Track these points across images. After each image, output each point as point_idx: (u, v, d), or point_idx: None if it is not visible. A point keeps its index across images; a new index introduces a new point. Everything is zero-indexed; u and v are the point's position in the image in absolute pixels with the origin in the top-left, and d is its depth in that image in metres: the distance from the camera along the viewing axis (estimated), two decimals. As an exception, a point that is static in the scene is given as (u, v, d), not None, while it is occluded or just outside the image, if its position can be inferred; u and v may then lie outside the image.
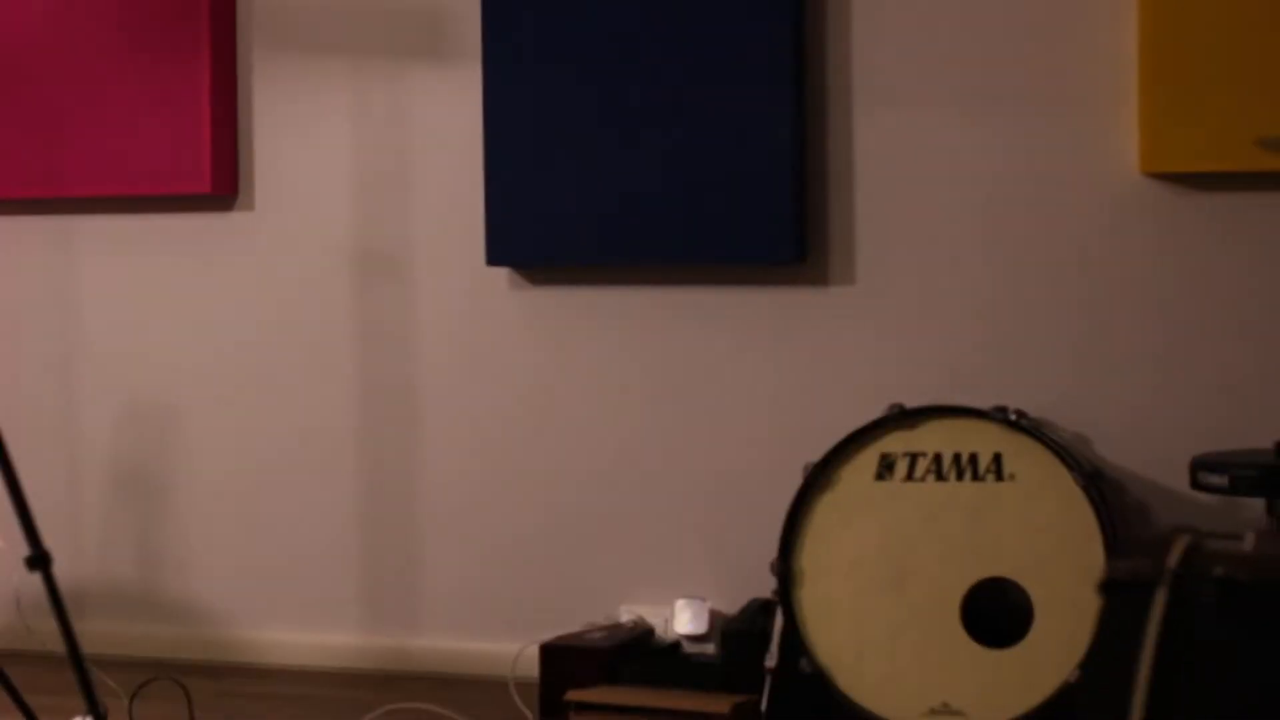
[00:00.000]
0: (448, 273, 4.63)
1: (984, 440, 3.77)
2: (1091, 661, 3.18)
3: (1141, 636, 3.05)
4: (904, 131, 4.28)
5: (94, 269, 4.93)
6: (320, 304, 4.76)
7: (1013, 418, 3.78)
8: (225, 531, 4.82)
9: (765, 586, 4.00)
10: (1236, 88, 3.93)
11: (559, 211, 4.42)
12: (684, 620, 4.29)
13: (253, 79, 4.78)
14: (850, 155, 4.31)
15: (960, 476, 3.78)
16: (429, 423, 4.66)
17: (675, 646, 4.31)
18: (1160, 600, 3.07)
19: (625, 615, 4.38)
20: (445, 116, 4.62)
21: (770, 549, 3.89)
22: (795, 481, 3.90)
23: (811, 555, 3.84)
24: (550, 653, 4.13)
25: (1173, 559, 3.13)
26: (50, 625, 3.42)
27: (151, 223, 4.88)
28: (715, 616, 4.24)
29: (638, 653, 4.24)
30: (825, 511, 3.85)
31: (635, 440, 4.49)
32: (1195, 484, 3.70)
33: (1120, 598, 3.12)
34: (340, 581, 4.73)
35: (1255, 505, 3.73)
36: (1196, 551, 3.17)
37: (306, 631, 4.74)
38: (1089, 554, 3.64)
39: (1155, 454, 4.09)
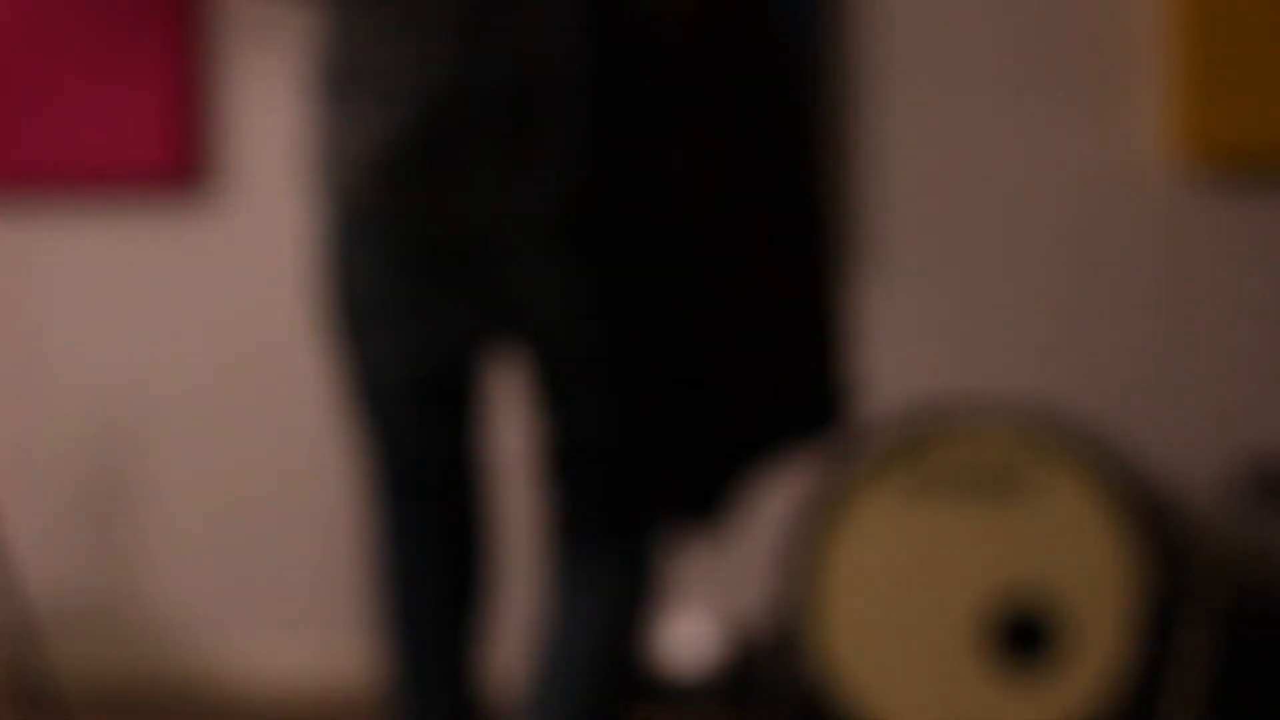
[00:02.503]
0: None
1: (1008, 450, 3.72)
2: (1136, 689, 3.14)
3: (1180, 658, 3.03)
4: (910, 126, 4.24)
5: (54, 269, 4.82)
6: (299, 302, 4.66)
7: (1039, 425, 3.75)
8: (196, 539, 4.73)
9: (770, 595, 3.97)
10: (1274, 80, 3.92)
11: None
12: (684, 629, 4.23)
13: (241, 68, 4.67)
14: (854, 151, 4.26)
15: (976, 486, 3.74)
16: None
17: (675, 655, 4.24)
18: (1199, 621, 3.04)
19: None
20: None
21: (775, 556, 3.87)
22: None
23: (822, 564, 3.79)
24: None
25: (1209, 579, 3.11)
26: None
27: (115, 220, 4.76)
28: (718, 625, 4.19)
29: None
30: (836, 521, 3.79)
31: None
32: (1251, 496, 3.68)
33: (1158, 614, 3.07)
34: (325, 599, 4.64)
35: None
36: (1235, 571, 3.15)
37: (291, 645, 4.67)
38: (1115, 569, 3.60)
39: (1187, 463, 4.05)
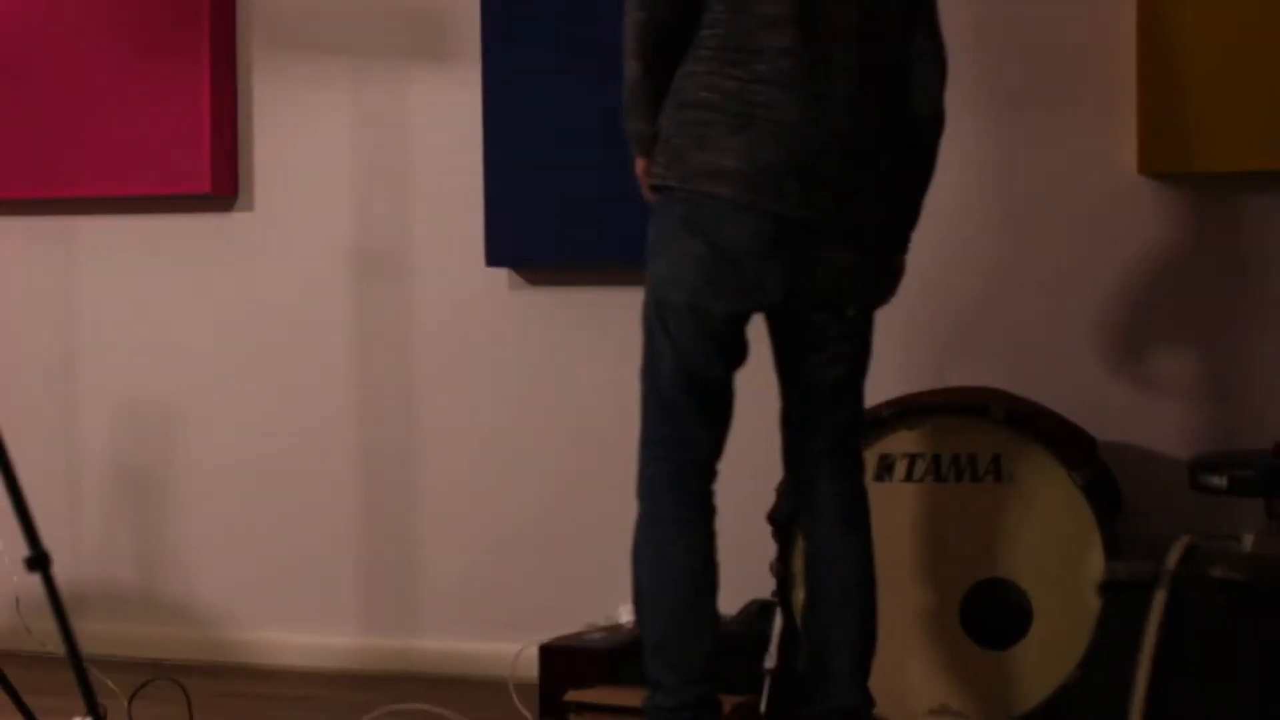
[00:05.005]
0: (447, 273, 4.63)
1: (983, 441, 3.75)
2: (1091, 662, 3.18)
3: (1141, 637, 3.05)
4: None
5: (94, 269, 4.93)
6: (319, 304, 4.75)
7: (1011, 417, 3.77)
8: (225, 532, 4.81)
9: (764, 587, 4.01)
10: (1234, 89, 3.95)
11: (559, 212, 4.42)
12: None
13: (253, 79, 4.78)
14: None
15: (959, 478, 3.77)
16: (428, 423, 4.66)
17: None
18: (1159, 601, 3.07)
19: (625, 616, 4.37)
20: (445, 117, 4.62)
21: (769, 549, 3.89)
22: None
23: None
24: (550, 653, 4.12)
25: (1172, 560, 3.13)
26: (50, 626, 3.41)
27: (151, 223, 4.88)
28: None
29: (637, 653, 4.20)
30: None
31: (634, 439, 4.47)
32: (1195, 485, 3.69)
33: (1120, 598, 3.12)
34: (340, 582, 4.72)
35: (1255, 506, 3.73)
36: (1195, 553, 3.18)
37: (306, 632, 4.74)
38: (1088, 555, 3.63)
39: (1155, 454, 4.10)
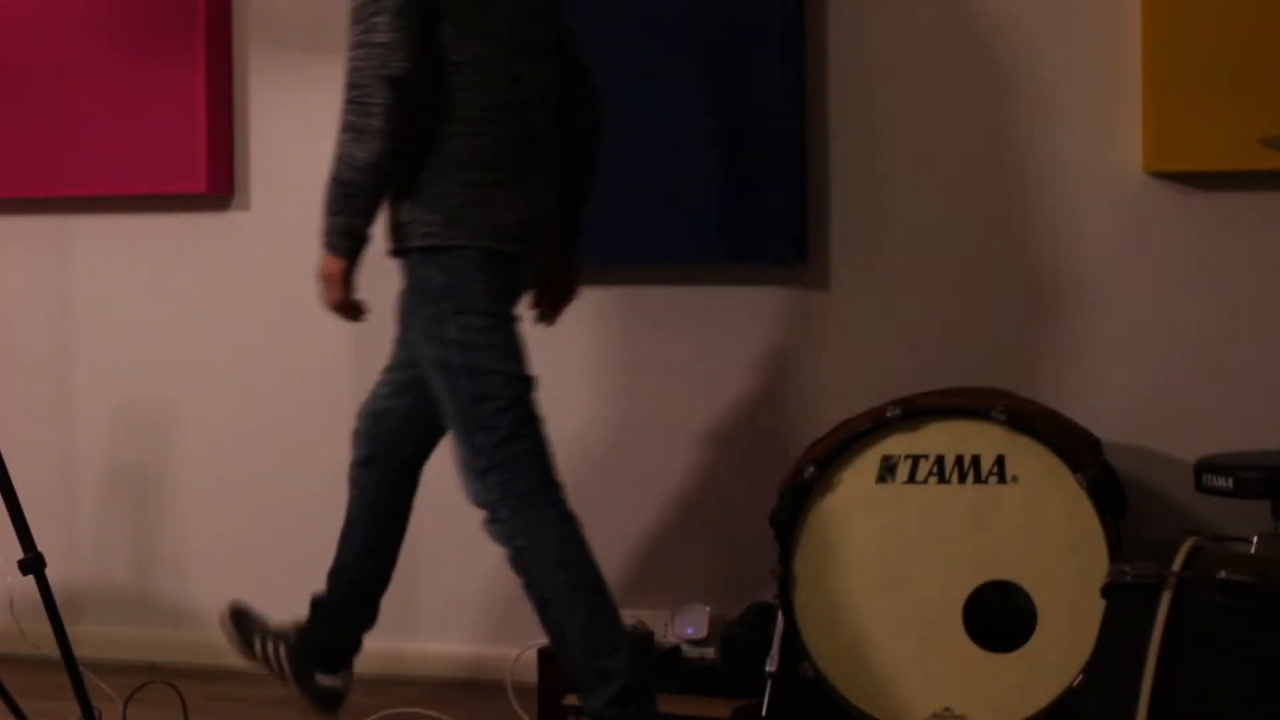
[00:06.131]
0: (445, 273, 4.61)
1: (986, 442, 3.75)
2: (1096, 665, 3.17)
3: (1146, 640, 3.04)
4: (904, 132, 4.27)
5: (89, 268, 4.92)
6: (317, 304, 4.74)
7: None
8: (221, 534, 4.80)
9: (765, 590, 3.99)
10: (1239, 87, 3.95)
11: (558, 212, 4.41)
12: (684, 624, 4.26)
13: (249, 78, 4.77)
14: (851, 156, 4.30)
15: (963, 479, 3.76)
16: (427, 425, 4.64)
17: (675, 650, 4.28)
18: (1164, 604, 3.06)
19: (625, 619, 4.35)
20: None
21: (770, 552, 3.87)
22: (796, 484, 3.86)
23: (812, 559, 3.82)
24: (549, 657, 4.11)
25: (1177, 562, 3.12)
26: (44, 628, 3.41)
27: (147, 222, 4.88)
28: (715, 620, 4.21)
29: (637, 656, 4.21)
30: (826, 514, 3.82)
31: (634, 440, 4.48)
32: (1200, 486, 3.69)
33: (1125, 601, 3.11)
34: (337, 584, 4.70)
35: (1261, 508, 3.72)
36: (1201, 555, 3.16)
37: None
38: (1093, 557, 3.62)
39: (1159, 456, 4.09)
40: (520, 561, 3.59)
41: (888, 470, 3.80)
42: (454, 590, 4.63)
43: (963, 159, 4.23)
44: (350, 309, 3.65)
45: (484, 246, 3.53)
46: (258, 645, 3.98)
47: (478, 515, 4.59)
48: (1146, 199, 4.10)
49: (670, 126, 4.31)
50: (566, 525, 3.59)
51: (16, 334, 4.97)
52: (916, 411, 3.80)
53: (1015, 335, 4.20)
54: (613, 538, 4.49)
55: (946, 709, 3.75)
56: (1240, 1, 3.95)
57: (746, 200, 4.26)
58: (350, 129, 3.47)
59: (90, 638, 4.61)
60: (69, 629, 3.38)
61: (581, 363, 4.52)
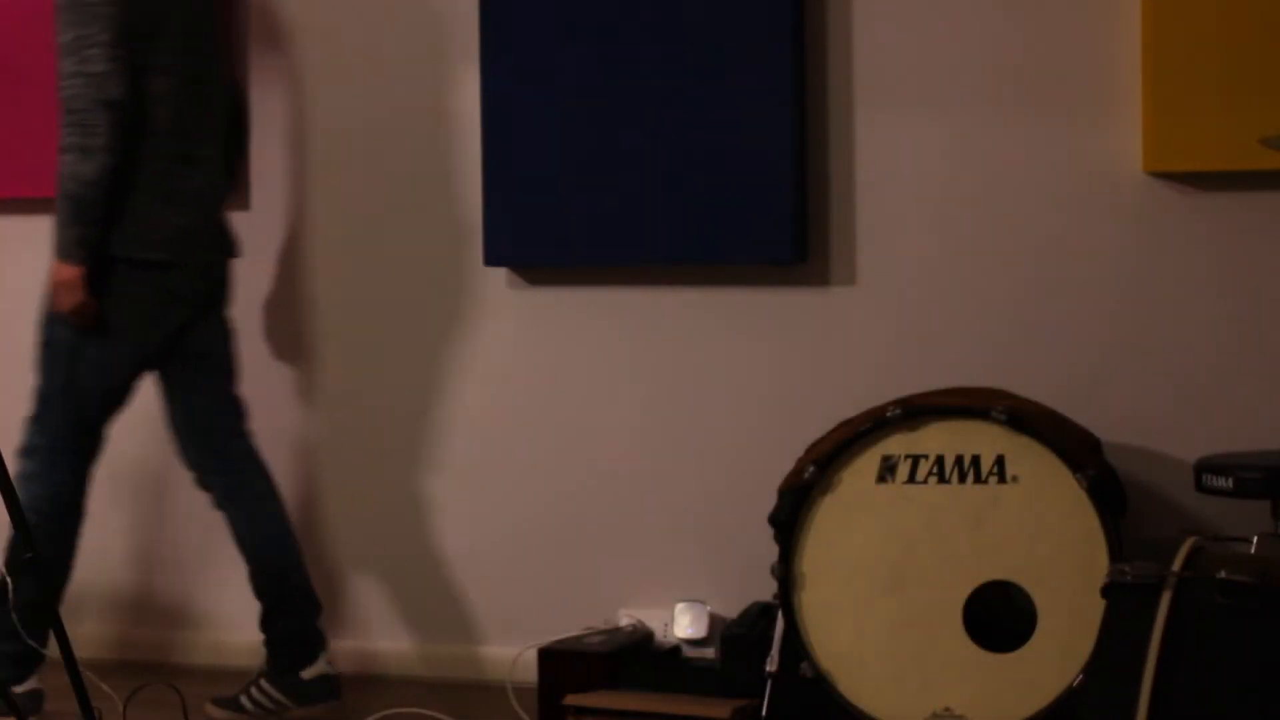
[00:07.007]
0: (446, 273, 4.61)
1: (986, 442, 3.75)
2: (1096, 665, 3.17)
3: (1146, 640, 3.04)
4: (905, 132, 4.27)
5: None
6: (316, 304, 4.75)
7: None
8: (221, 534, 4.79)
9: (766, 590, 3.98)
10: (1239, 87, 3.95)
11: (558, 211, 4.41)
12: (684, 624, 4.28)
13: (249, 78, 4.76)
14: (851, 156, 4.31)
15: (963, 479, 3.76)
16: (427, 423, 4.64)
17: (675, 650, 4.30)
18: (1165, 603, 3.06)
19: (624, 619, 4.37)
20: (443, 116, 4.60)
21: (770, 552, 3.86)
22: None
23: (812, 559, 3.82)
24: (549, 657, 4.12)
25: (1177, 562, 3.12)
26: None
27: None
28: (715, 620, 4.23)
29: (637, 657, 4.23)
30: (826, 514, 3.82)
31: (634, 441, 4.48)
32: (1200, 486, 3.69)
33: (1125, 601, 3.11)
34: (337, 585, 4.70)
35: (1261, 508, 3.72)
36: (1201, 555, 3.16)
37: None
38: (1093, 557, 3.62)
39: (1159, 456, 4.10)
40: None
41: (888, 470, 3.80)
42: (454, 589, 4.62)
43: (963, 158, 4.23)
44: (87, 311, 4.00)
45: (138, 257, 4.01)
46: (245, 701, 4.19)
47: (478, 517, 4.62)
48: (1146, 199, 4.10)
49: (670, 126, 4.31)
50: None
51: (17, 334, 4.95)
52: (917, 411, 3.80)
53: (1015, 335, 4.20)
54: (613, 538, 4.49)
55: (946, 709, 3.74)
56: (1240, 1, 3.95)
57: (746, 200, 4.26)
58: (74, 149, 3.91)
59: (91, 638, 4.62)
60: (70, 629, 3.37)
61: (581, 363, 4.52)
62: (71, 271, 3.97)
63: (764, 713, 3.83)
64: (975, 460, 3.76)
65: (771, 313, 4.35)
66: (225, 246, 4.28)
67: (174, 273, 4.08)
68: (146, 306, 4.08)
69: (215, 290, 4.24)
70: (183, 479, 4.40)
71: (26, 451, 4.10)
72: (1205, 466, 3.69)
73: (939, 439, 3.78)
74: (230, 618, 4.77)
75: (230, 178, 4.41)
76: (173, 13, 4.06)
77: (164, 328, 4.11)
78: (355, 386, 4.72)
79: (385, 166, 4.67)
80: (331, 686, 4.19)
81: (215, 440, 4.24)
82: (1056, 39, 4.15)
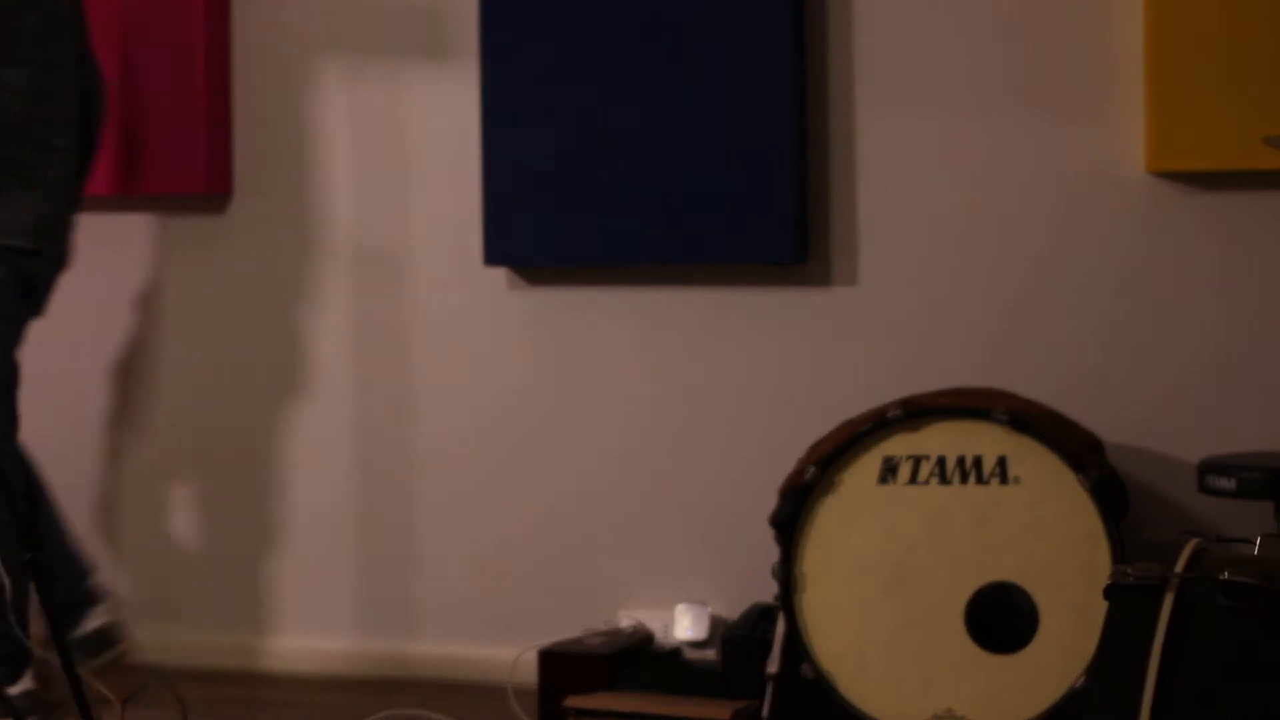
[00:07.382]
0: (446, 273, 4.61)
1: (988, 443, 3.74)
2: (1098, 667, 3.16)
3: (1149, 641, 3.03)
4: (907, 131, 4.26)
5: (87, 268, 4.89)
6: (316, 304, 4.74)
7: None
8: (220, 535, 4.79)
9: (767, 591, 3.97)
10: (1242, 86, 3.95)
11: (558, 211, 4.41)
12: (684, 625, 4.28)
13: (249, 77, 4.76)
14: (852, 155, 4.30)
15: (964, 480, 3.76)
16: (426, 424, 4.64)
17: (676, 652, 4.30)
18: (1167, 605, 3.05)
19: (625, 620, 4.37)
20: (443, 116, 4.60)
21: (771, 553, 3.85)
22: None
23: (813, 560, 3.81)
24: (549, 658, 4.12)
25: (1180, 563, 3.11)
26: (43, 630, 3.39)
27: (146, 222, 4.85)
28: (716, 622, 4.23)
29: (638, 658, 4.22)
30: (828, 515, 3.81)
31: (634, 442, 4.47)
32: (1203, 487, 3.68)
33: (1127, 602, 3.10)
34: (337, 586, 4.70)
35: (1264, 509, 3.71)
36: (1204, 556, 3.15)
37: (302, 636, 4.71)
38: (1095, 558, 3.62)
39: (1162, 456, 4.09)
40: None
41: (889, 471, 3.80)
42: (454, 591, 4.62)
43: (964, 158, 4.22)
44: None
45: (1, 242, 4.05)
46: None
47: (477, 517, 4.61)
48: (1149, 198, 4.10)
49: (670, 126, 4.30)
50: None
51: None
52: (918, 412, 3.79)
53: (1017, 335, 4.19)
54: (613, 539, 4.49)
55: (948, 710, 3.74)
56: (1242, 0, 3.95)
57: (746, 200, 4.26)
58: None
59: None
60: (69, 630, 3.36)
61: (581, 363, 4.51)
62: None
63: (765, 714, 3.83)
64: (977, 461, 3.75)
65: (772, 313, 4.35)
66: (69, 244, 4.24)
67: (34, 260, 4.10)
68: (6, 293, 4.09)
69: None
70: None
71: None
72: (1208, 467, 3.69)
73: (941, 440, 3.77)
74: (227, 619, 4.78)
75: (82, 173, 4.33)
76: (29, 4, 4.07)
77: (25, 316, 4.15)
78: (355, 386, 4.71)
79: (383, 167, 4.66)
80: (111, 635, 4.24)
81: None
82: (1058, 38, 4.15)
